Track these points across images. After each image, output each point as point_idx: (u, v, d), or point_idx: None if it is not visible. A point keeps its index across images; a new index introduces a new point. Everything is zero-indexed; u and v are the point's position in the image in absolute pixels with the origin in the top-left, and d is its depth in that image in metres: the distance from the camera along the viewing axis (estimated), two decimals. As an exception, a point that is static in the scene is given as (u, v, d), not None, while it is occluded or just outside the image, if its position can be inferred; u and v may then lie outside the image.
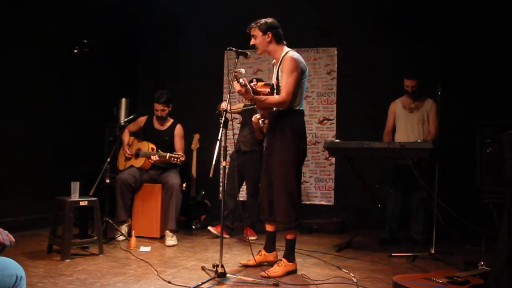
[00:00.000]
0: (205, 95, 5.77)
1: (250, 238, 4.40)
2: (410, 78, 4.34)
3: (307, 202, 5.59)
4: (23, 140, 4.49)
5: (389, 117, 4.58)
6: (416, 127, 4.40)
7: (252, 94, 2.99)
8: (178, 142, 4.52)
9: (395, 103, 4.56)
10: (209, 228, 4.48)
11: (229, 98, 3.10)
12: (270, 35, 3.14)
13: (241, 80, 2.91)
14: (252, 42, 3.18)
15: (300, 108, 3.19)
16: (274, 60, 3.29)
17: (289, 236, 3.20)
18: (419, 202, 4.25)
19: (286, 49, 3.20)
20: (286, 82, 3.05)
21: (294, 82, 3.05)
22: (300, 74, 3.10)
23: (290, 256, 3.20)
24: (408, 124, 4.44)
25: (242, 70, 2.95)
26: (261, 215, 3.47)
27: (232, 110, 4.11)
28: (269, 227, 3.39)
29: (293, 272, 3.18)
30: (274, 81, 3.22)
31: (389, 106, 4.60)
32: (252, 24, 3.18)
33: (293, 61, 3.07)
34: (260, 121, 3.28)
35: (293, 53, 3.13)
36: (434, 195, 3.74)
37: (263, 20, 3.16)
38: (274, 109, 3.21)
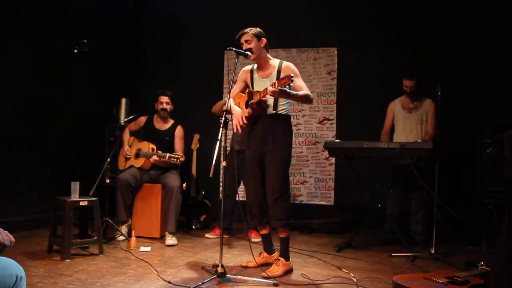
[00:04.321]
0: (205, 95, 5.75)
1: (255, 240, 4.38)
2: (408, 78, 4.35)
3: (307, 202, 5.59)
4: (23, 140, 4.48)
5: (388, 117, 4.59)
6: (415, 127, 4.40)
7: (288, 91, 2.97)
8: (178, 143, 4.53)
9: (394, 102, 4.56)
10: (206, 235, 4.48)
11: (229, 99, 3.11)
12: (264, 41, 3.22)
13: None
14: (247, 46, 3.17)
15: (289, 114, 3.32)
16: (254, 66, 3.33)
17: (284, 235, 3.22)
18: (419, 202, 4.25)
19: (275, 59, 3.32)
20: (301, 83, 3.17)
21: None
22: None
23: (287, 255, 3.23)
24: (407, 124, 4.44)
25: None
26: (251, 221, 3.40)
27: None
28: (264, 231, 3.39)
29: (291, 270, 3.20)
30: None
31: (388, 105, 4.60)
32: (244, 30, 3.21)
33: (294, 67, 3.23)
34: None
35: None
36: (434, 195, 3.74)
37: (253, 28, 3.22)
38: (274, 111, 3.19)
